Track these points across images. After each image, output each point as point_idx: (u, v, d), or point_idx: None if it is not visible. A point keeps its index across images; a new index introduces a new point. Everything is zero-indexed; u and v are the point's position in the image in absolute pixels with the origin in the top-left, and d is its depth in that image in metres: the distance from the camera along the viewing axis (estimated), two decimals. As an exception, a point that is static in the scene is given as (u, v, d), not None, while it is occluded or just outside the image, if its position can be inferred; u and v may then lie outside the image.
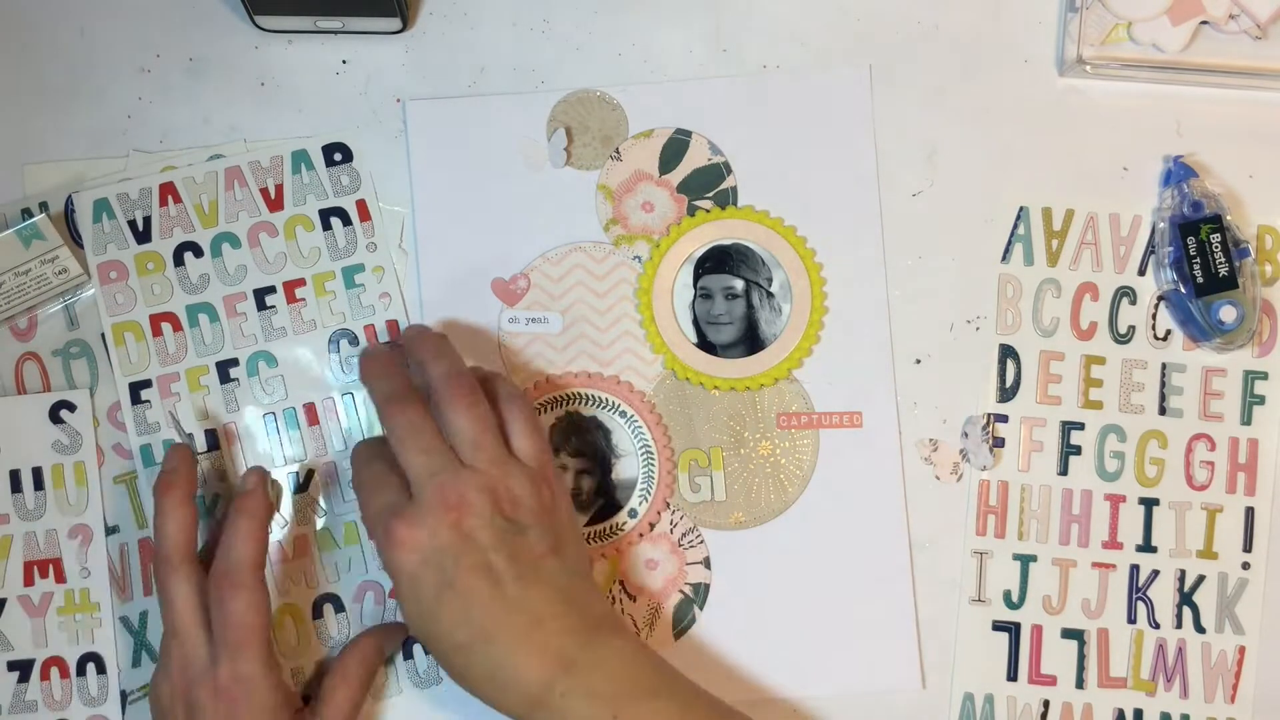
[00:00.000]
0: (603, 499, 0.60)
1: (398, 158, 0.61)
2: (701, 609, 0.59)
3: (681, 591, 0.60)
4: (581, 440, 0.60)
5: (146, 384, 0.60)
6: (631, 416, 0.60)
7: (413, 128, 0.61)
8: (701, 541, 0.60)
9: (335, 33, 0.61)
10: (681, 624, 0.59)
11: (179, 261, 0.60)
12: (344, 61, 0.62)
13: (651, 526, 0.60)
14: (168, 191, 0.60)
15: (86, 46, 0.62)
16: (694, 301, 0.61)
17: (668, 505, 0.60)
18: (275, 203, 0.61)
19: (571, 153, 0.61)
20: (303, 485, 0.60)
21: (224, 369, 0.60)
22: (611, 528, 0.60)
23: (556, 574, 0.51)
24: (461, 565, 0.50)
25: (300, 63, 0.62)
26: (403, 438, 0.52)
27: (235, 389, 0.60)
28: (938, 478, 0.60)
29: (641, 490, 0.60)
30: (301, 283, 0.60)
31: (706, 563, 0.60)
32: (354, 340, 0.60)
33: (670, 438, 0.60)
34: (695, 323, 0.60)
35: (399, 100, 0.61)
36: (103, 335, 0.60)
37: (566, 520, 0.54)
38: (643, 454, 0.60)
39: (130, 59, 0.62)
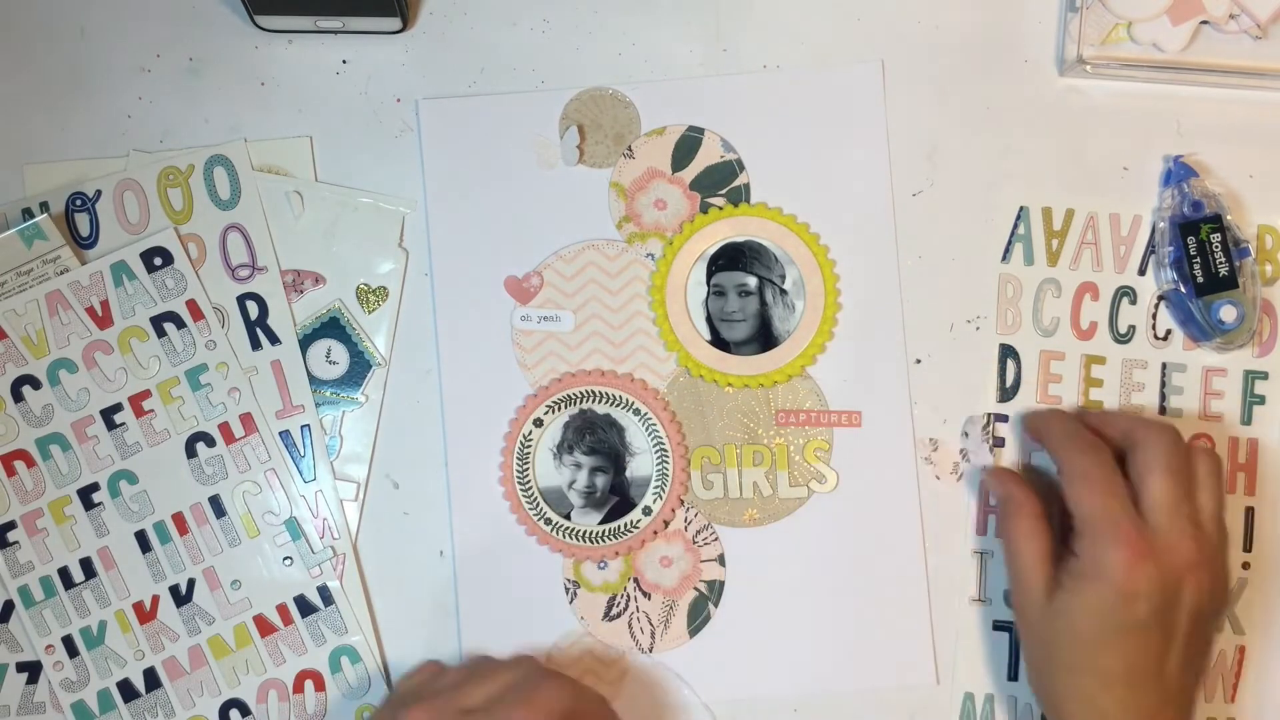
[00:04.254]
0: (617, 497, 0.60)
1: (398, 157, 0.61)
2: (716, 606, 0.60)
3: (696, 589, 0.60)
4: (595, 438, 0.60)
5: (11, 525, 0.59)
6: (645, 414, 0.60)
7: (425, 127, 0.61)
8: (716, 539, 0.60)
9: (335, 33, 0.61)
10: (697, 621, 0.60)
11: (18, 397, 0.59)
12: (344, 61, 0.62)
13: (666, 524, 0.60)
14: None
15: (86, 46, 0.62)
16: (707, 299, 0.61)
17: (682, 502, 0.60)
18: (104, 319, 0.59)
19: (584, 150, 0.61)
20: (186, 597, 0.59)
21: (86, 495, 0.59)
22: (626, 525, 0.60)
23: (1197, 677, 0.53)
24: (1164, 616, 0.51)
25: (300, 63, 0.61)
26: (1092, 477, 0.53)
27: (101, 513, 0.59)
28: (938, 478, 0.60)
29: (655, 488, 0.60)
30: (147, 394, 0.59)
31: (721, 560, 0.60)
32: (211, 442, 0.59)
33: (684, 435, 0.60)
34: (709, 320, 0.60)
35: (399, 100, 0.61)
36: None
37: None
38: (656, 451, 0.60)
39: (130, 59, 0.62)
